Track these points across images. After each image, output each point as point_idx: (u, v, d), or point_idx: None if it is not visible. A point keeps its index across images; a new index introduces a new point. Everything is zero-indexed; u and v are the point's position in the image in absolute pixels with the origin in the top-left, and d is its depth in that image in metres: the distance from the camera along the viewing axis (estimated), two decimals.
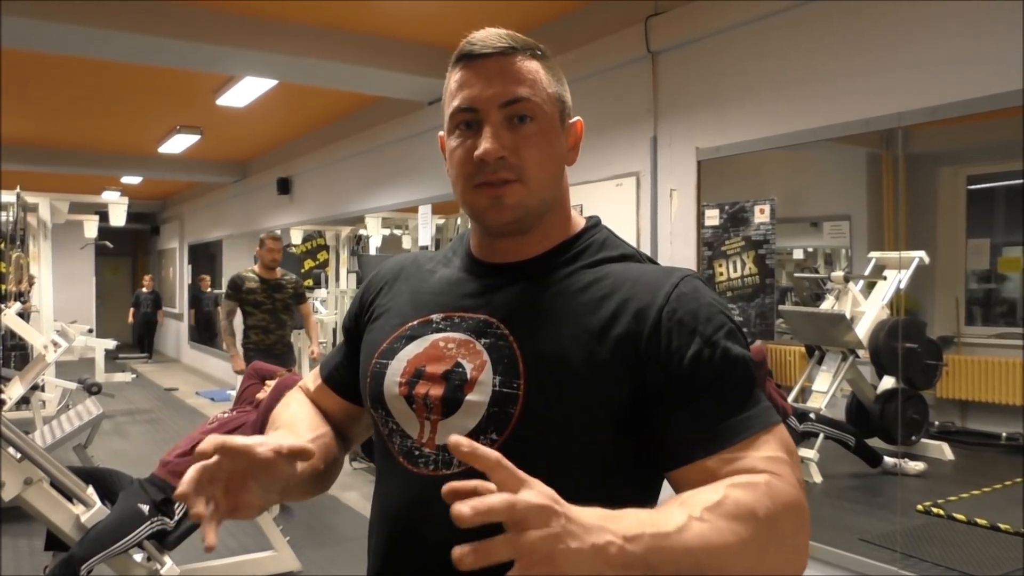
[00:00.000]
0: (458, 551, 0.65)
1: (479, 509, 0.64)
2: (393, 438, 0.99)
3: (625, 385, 0.90)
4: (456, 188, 0.99)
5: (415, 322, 1.02)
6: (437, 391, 0.95)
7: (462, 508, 0.64)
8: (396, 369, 0.99)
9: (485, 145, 0.93)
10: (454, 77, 0.98)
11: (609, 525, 0.71)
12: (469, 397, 0.93)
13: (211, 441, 0.83)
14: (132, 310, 13.95)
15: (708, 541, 0.75)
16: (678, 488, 0.90)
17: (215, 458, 0.83)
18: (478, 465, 0.69)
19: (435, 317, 1.01)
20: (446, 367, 0.95)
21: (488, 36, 0.97)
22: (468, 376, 0.94)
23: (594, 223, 1.06)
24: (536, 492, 0.68)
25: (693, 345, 0.89)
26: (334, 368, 1.17)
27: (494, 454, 0.68)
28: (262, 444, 0.85)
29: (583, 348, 0.91)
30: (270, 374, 3.95)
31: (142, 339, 14.08)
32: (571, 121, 1.03)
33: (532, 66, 0.97)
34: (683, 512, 0.76)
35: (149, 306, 13.81)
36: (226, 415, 3.64)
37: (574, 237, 1.02)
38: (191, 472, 0.82)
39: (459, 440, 0.69)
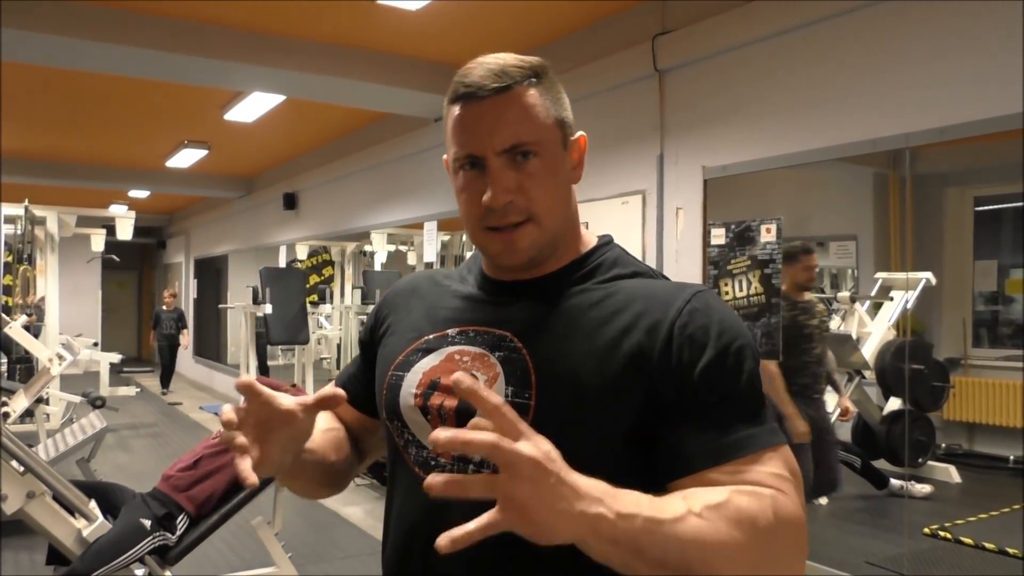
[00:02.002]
0: (432, 479, 0.67)
1: (459, 438, 0.66)
2: (409, 449, 1.00)
3: (636, 399, 0.90)
4: (466, 227, 0.99)
5: (431, 336, 1.03)
6: (452, 402, 0.96)
7: (440, 433, 0.66)
8: (412, 381, 1.00)
9: (490, 193, 0.93)
10: (452, 115, 0.97)
11: (606, 499, 0.73)
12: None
13: (244, 381, 0.86)
14: (152, 332, 11.93)
15: (702, 537, 0.77)
16: None
17: (243, 401, 0.86)
18: (477, 405, 0.70)
19: (451, 331, 1.02)
20: None
21: (483, 73, 0.94)
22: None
23: (606, 241, 1.06)
24: (532, 445, 0.69)
25: (704, 360, 0.90)
26: (348, 379, 1.18)
27: (496, 398, 0.69)
28: (286, 396, 0.89)
29: (594, 361, 0.92)
30: (274, 388, 3.94)
31: (167, 367, 11.82)
32: (574, 138, 1.01)
33: (529, 98, 0.95)
34: (683, 505, 0.78)
35: (172, 327, 11.58)
36: None
37: (587, 254, 1.03)
38: (228, 409, 0.85)
39: (461, 377, 0.70)
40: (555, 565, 0.90)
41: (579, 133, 1.02)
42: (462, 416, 0.94)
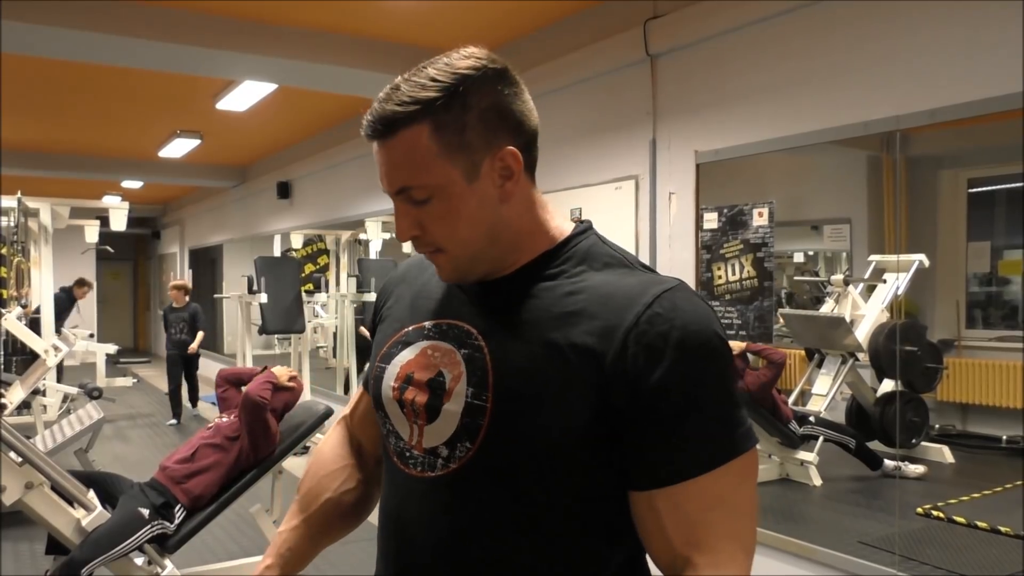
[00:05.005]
0: None
1: None
2: (390, 439, 1.05)
3: (589, 404, 0.90)
4: None
5: (410, 328, 1.06)
6: (422, 398, 0.99)
7: None
8: (391, 374, 1.04)
9: (396, 229, 0.97)
10: None
11: None
12: (446, 406, 0.96)
13: None
14: (167, 335, 8.68)
15: None
16: (632, 510, 0.93)
17: None
18: None
19: (427, 324, 1.04)
20: (430, 375, 0.99)
21: (371, 117, 0.93)
22: (447, 386, 0.97)
23: (581, 230, 1.04)
24: None
25: (658, 371, 0.87)
26: (367, 372, 1.22)
27: None
28: None
29: (550, 364, 0.91)
30: (238, 378, 3.90)
31: (178, 386, 8.46)
32: (495, 156, 0.94)
33: (414, 141, 0.91)
34: None
35: (184, 329, 8.46)
36: (223, 420, 3.65)
37: (559, 246, 1.01)
38: None
39: None
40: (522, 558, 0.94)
41: (505, 148, 0.94)
42: (431, 412, 0.97)
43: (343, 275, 9.02)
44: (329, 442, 1.24)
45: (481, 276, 1.00)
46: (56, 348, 5.78)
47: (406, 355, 1.03)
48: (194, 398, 8.80)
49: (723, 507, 0.88)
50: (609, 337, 0.90)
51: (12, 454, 3.03)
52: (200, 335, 8.45)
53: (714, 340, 0.90)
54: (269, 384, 3.56)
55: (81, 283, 9.50)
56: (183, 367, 8.47)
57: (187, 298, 8.55)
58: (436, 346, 1.01)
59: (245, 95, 6.03)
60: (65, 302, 9.28)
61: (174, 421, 8.37)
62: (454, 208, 0.93)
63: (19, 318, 6.32)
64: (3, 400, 3.02)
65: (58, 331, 8.90)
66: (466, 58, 0.94)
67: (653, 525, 0.90)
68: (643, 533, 0.92)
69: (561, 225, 1.03)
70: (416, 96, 0.91)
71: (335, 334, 8.91)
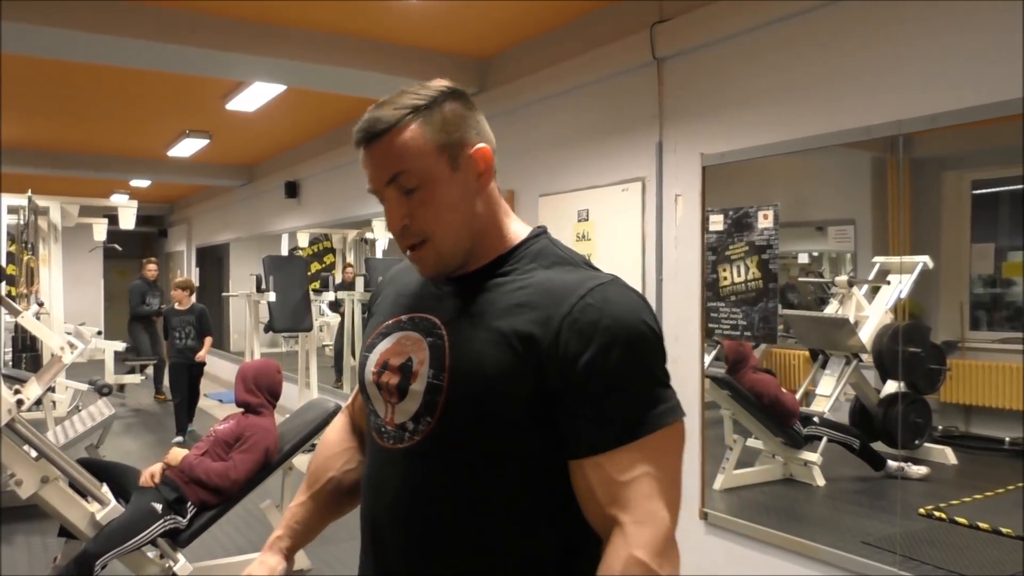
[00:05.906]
0: None
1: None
2: (371, 417, 1.21)
3: (529, 383, 1.04)
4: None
5: (390, 321, 1.22)
6: (395, 380, 1.14)
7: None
8: (372, 360, 1.19)
9: (387, 222, 1.13)
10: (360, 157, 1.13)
11: None
12: (412, 386, 1.11)
13: None
14: (167, 343, 7.55)
15: None
16: (571, 480, 1.05)
17: None
18: None
19: (403, 317, 1.20)
20: (402, 360, 1.14)
21: (367, 121, 1.09)
22: (413, 368, 1.12)
23: (535, 234, 1.18)
24: None
25: (587, 353, 1.01)
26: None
27: None
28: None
29: (497, 348, 1.05)
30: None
31: (184, 398, 7.33)
32: (470, 153, 1.11)
33: (407, 134, 1.08)
34: None
35: (190, 333, 7.28)
36: (221, 427, 3.67)
37: (512, 250, 1.15)
38: None
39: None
40: (485, 527, 1.07)
41: (479, 145, 1.12)
42: (401, 392, 1.12)
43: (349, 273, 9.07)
44: (334, 428, 1.42)
45: (453, 270, 1.14)
46: (72, 345, 5.83)
47: (385, 344, 1.18)
48: (192, 413, 7.49)
49: (646, 473, 0.99)
50: (547, 325, 1.03)
51: (26, 448, 3.09)
52: (208, 341, 7.37)
53: (639, 327, 1.03)
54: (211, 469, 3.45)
55: (148, 262, 9.87)
56: (188, 377, 7.31)
57: (192, 298, 7.45)
58: (408, 336, 1.16)
59: (254, 96, 6.08)
60: (145, 286, 9.68)
61: (179, 439, 7.11)
62: (440, 195, 1.09)
63: (35, 316, 6.38)
64: (20, 396, 3.08)
65: (161, 306, 9.13)
66: (436, 83, 1.13)
67: (585, 491, 1.02)
68: (580, 500, 1.04)
69: (519, 230, 1.19)
70: (404, 103, 1.09)
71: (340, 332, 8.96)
